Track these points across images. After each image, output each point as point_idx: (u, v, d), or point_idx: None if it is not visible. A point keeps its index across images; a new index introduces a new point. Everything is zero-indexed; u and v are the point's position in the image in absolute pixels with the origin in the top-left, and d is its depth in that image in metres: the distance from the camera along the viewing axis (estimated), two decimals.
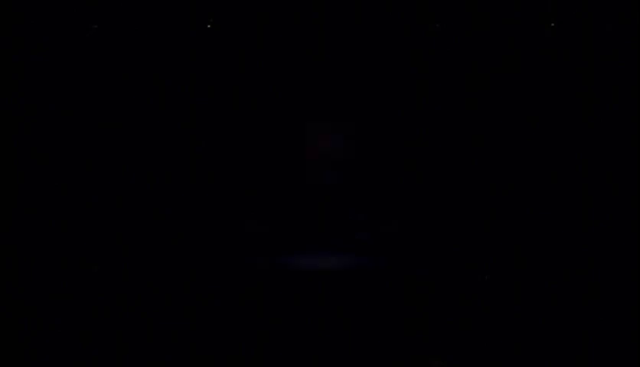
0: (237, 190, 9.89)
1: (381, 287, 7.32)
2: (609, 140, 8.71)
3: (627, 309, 6.07)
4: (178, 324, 6.01)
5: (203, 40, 9.41)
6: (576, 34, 8.83)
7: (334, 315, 6.28)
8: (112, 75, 9.18)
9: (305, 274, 7.99)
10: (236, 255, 8.93)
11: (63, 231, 8.49)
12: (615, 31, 8.55)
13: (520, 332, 5.72)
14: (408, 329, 5.86)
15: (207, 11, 9.20)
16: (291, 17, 9.32)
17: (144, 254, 8.49)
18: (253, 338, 5.75)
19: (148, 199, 9.23)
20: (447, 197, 9.44)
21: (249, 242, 9.44)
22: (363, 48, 9.59)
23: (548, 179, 9.00)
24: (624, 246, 7.72)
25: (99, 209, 8.92)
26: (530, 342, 5.48)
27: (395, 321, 6.07)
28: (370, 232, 9.56)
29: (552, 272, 7.44)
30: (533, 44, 9.05)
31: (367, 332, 5.86)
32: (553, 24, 8.85)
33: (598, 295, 6.49)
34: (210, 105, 9.74)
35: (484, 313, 6.26)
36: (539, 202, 8.90)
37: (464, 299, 6.64)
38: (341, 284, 7.60)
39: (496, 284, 7.26)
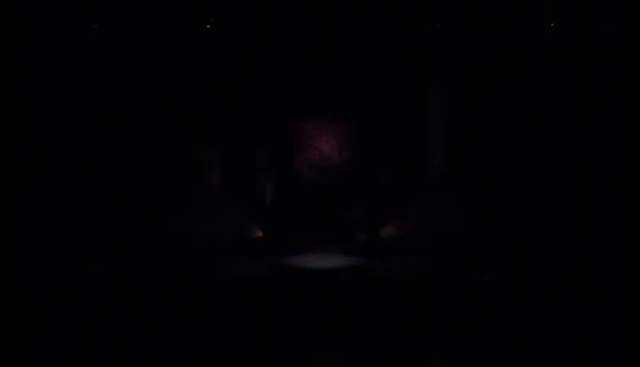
0: (236, 190, 9.89)
1: (381, 287, 7.32)
2: (609, 140, 8.71)
3: (627, 309, 6.07)
4: (179, 324, 6.01)
5: (201, 40, 9.41)
6: (576, 34, 8.83)
7: (334, 315, 6.28)
8: (109, 75, 9.19)
9: (305, 274, 7.99)
10: (237, 255, 8.93)
11: (63, 231, 8.49)
12: (615, 31, 8.55)
13: (520, 332, 5.72)
14: (408, 329, 5.86)
15: (204, 10, 9.19)
16: (292, 18, 9.32)
17: (144, 255, 8.48)
18: (253, 337, 5.75)
19: (148, 199, 9.23)
20: (446, 197, 9.44)
21: (249, 242, 9.44)
22: (362, 48, 9.59)
23: (548, 179, 9.00)
24: (624, 246, 7.72)
25: (99, 209, 8.92)
26: (530, 342, 5.48)
27: (395, 321, 6.07)
28: (369, 232, 9.56)
29: (552, 272, 7.44)
30: (533, 44, 9.05)
31: (367, 332, 5.86)
32: (552, 24, 8.85)
33: (598, 295, 6.48)
34: (210, 105, 9.74)
35: (484, 313, 6.26)
36: (538, 202, 8.90)
37: (464, 299, 6.64)
38: (340, 284, 7.60)
39: (496, 284, 7.25)
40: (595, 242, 8.05)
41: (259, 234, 9.62)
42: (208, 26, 9.20)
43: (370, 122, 9.95)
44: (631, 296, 6.38)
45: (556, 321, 5.90)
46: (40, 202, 8.59)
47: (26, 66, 8.65)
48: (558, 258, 7.87)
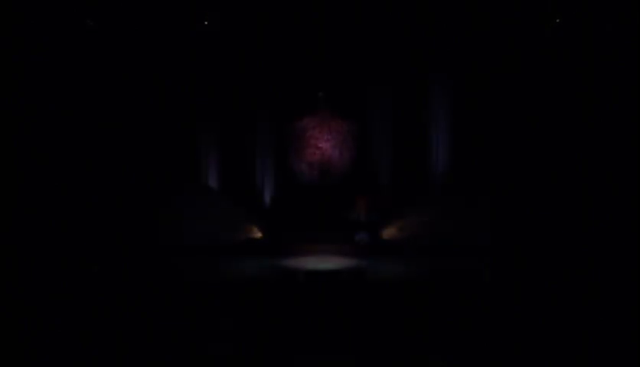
0: (236, 190, 9.90)
1: (381, 288, 7.32)
2: (609, 140, 8.71)
3: (627, 309, 6.07)
4: (178, 324, 6.01)
5: (200, 39, 9.41)
6: (576, 34, 8.84)
7: (334, 316, 6.28)
8: (108, 75, 9.20)
9: (305, 275, 7.99)
10: (236, 256, 8.94)
11: (63, 231, 8.49)
12: (615, 31, 8.55)
13: (520, 332, 5.72)
14: (408, 329, 5.86)
15: (204, 7, 9.20)
16: (292, 17, 9.32)
17: (144, 255, 8.49)
18: (253, 338, 5.76)
19: (148, 199, 9.23)
20: (446, 197, 9.44)
21: (249, 243, 9.45)
22: (363, 48, 9.60)
23: (548, 178, 9.00)
24: (624, 246, 7.72)
25: (99, 210, 8.93)
26: (530, 342, 5.48)
27: (395, 321, 6.07)
28: (369, 232, 9.56)
29: (552, 272, 7.44)
30: (535, 44, 9.05)
31: (368, 332, 5.86)
32: (558, 20, 8.84)
33: (598, 295, 6.49)
34: (209, 104, 9.75)
35: (484, 313, 6.26)
36: (540, 201, 8.90)
37: (464, 299, 6.65)
38: (341, 285, 7.60)
39: (496, 284, 7.26)
40: (596, 243, 8.06)
41: (259, 234, 9.62)
42: (206, 23, 9.18)
43: (371, 121, 9.96)
44: (632, 296, 6.39)
45: (556, 321, 5.90)
46: (40, 203, 8.59)
47: (26, 66, 8.66)
48: (557, 258, 7.87)
